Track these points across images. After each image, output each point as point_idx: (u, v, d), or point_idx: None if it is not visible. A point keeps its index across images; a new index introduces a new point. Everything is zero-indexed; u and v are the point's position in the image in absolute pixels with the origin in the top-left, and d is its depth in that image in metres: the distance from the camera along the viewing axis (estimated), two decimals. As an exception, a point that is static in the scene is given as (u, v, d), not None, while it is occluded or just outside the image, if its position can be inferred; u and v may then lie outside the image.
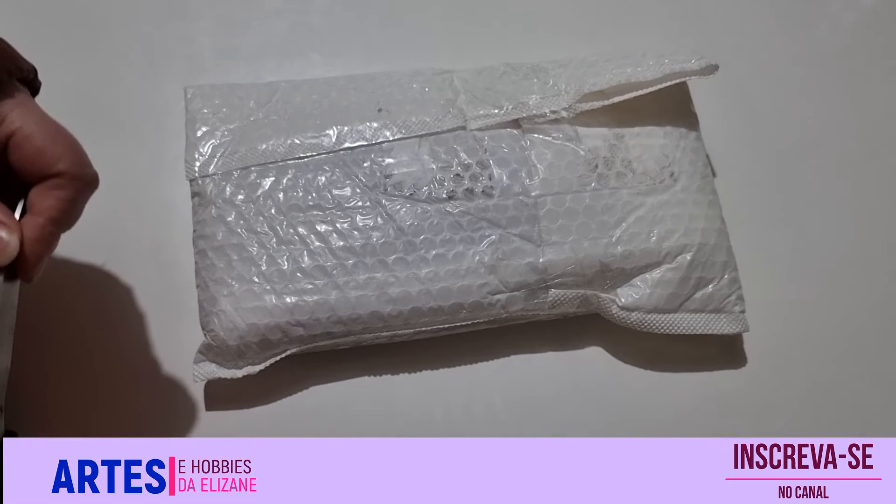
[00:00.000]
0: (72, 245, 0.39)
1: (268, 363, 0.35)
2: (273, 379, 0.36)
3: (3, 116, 0.29)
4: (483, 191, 0.36)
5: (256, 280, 0.35)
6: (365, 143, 0.37)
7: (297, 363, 0.36)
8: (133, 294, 0.39)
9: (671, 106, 0.40)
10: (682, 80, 0.38)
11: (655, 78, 0.37)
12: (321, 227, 0.35)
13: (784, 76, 0.48)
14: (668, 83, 0.37)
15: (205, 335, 0.35)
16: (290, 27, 0.47)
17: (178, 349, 0.37)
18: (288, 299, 0.34)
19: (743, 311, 0.37)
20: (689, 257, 0.36)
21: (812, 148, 0.45)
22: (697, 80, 0.39)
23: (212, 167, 0.36)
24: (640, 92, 0.37)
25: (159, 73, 0.45)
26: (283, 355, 0.35)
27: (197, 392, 0.37)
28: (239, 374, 0.35)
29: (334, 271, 0.35)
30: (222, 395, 0.36)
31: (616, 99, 0.37)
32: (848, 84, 0.48)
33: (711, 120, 0.43)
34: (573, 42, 0.47)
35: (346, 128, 0.37)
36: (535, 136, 0.37)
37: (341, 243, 0.35)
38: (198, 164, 0.36)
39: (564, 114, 0.38)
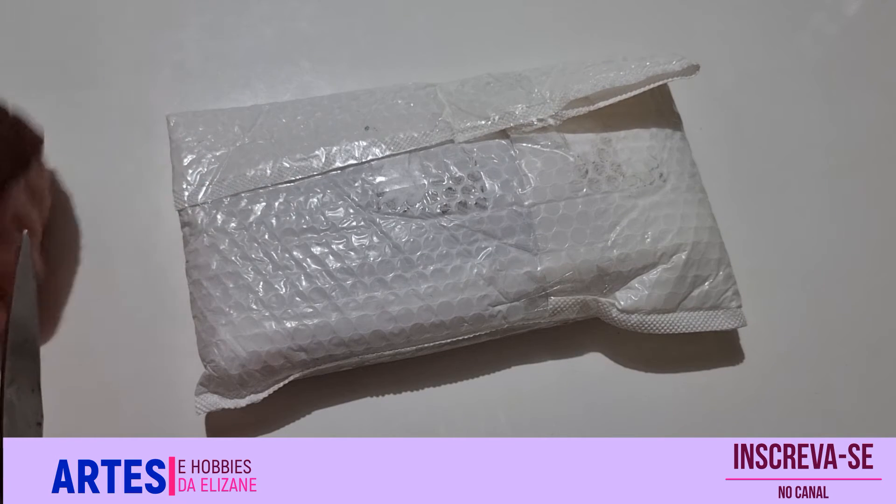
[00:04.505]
0: (66, 249, 0.39)
1: (271, 390, 0.34)
2: (274, 404, 0.35)
3: None
4: (476, 203, 0.36)
5: (255, 307, 0.34)
6: (354, 162, 0.37)
7: (298, 388, 0.35)
8: (129, 296, 0.39)
9: (654, 107, 0.40)
10: (665, 81, 0.38)
11: (639, 81, 0.38)
12: (317, 250, 0.35)
13: (769, 86, 0.48)
14: (652, 85, 0.38)
15: (205, 366, 0.34)
16: (279, 33, 0.47)
17: (177, 351, 0.37)
18: (288, 324, 0.34)
19: (740, 307, 0.37)
20: (684, 256, 0.37)
21: (796, 156, 0.46)
22: (683, 90, 0.39)
23: (200, 196, 0.36)
24: (625, 95, 0.38)
25: (147, 79, 0.44)
26: (286, 381, 0.35)
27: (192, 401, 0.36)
28: (242, 403, 0.34)
29: (333, 293, 0.34)
30: (223, 424, 0.36)
31: (601, 104, 0.38)
32: (830, 94, 0.48)
33: (697, 129, 0.43)
34: (558, 53, 0.47)
35: (334, 148, 0.37)
36: (524, 145, 0.38)
37: (338, 265, 0.35)
38: (186, 193, 0.36)
39: (551, 121, 0.38)
